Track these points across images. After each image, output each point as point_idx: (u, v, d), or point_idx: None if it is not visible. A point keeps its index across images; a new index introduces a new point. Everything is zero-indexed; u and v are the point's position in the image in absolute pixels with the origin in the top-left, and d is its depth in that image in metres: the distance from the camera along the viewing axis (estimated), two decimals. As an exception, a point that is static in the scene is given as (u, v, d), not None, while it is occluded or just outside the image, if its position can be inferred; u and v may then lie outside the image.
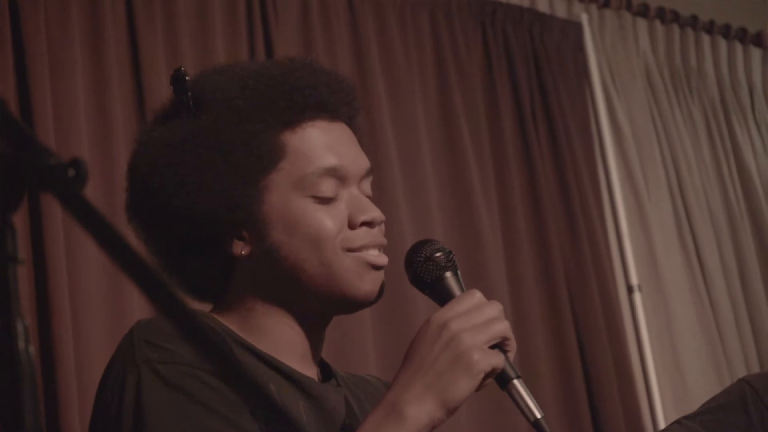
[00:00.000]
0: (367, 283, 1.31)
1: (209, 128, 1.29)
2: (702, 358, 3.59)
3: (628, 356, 3.37)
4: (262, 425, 1.21)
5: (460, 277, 1.29)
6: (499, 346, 1.21)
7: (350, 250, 1.30)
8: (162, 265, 1.34)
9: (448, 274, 1.28)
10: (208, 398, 1.20)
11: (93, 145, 2.57)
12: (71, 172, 0.68)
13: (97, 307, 2.46)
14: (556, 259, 3.33)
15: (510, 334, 1.22)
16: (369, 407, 1.31)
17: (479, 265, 3.13)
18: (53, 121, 2.50)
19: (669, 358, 3.54)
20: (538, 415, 1.21)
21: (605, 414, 3.24)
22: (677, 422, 1.62)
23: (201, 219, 1.28)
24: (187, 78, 1.33)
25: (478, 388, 1.20)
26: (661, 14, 3.98)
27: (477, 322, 1.20)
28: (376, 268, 1.31)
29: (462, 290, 1.27)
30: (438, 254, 1.28)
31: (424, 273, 1.28)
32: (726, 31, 4.15)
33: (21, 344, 0.68)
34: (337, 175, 1.31)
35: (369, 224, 1.32)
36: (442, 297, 1.27)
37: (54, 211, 2.40)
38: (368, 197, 1.35)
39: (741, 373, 3.47)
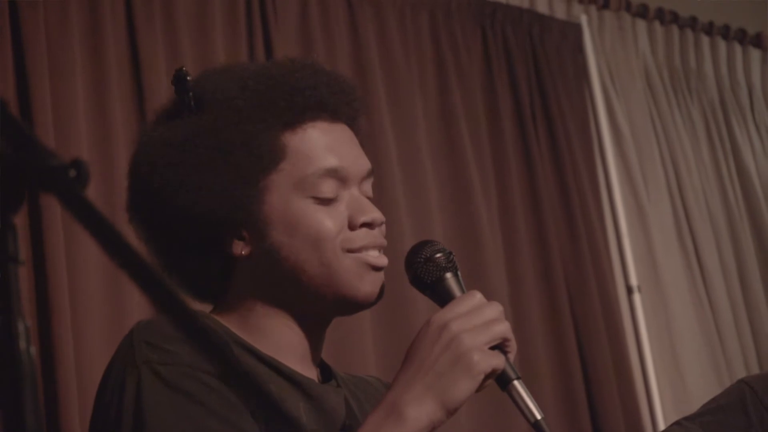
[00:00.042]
0: (367, 284, 1.31)
1: (210, 128, 1.29)
2: (701, 359, 3.59)
3: (627, 357, 3.37)
4: (262, 426, 1.21)
5: (461, 278, 1.29)
6: (500, 347, 1.21)
7: (350, 250, 1.30)
8: (162, 264, 1.34)
9: (449, 275, 1.28)
10: (208, 399, 1.20)
11: (92, 145, 2.57)
12: (72, 173, 0.68)
13: (96, 308, 2.46)
14: (555, 259, 3.33)
15: (510, 335, 1.22)
16: (369, 408, 1.31)
17: (479, 265, 3.13)
18: (53, 121, 2.50)
19: (668, 359, 3.54)
20: (539, 416, 1.21)
21: (605, 415, 3.24)
22: (677, 423, 1.62)
23: (201, 219, 1.28)
24: (188, 78, 1.33)
25: (479, 389, 1.20)
26: (661, 15, 3.98)
27: (477, 323, 1.20)
28: (376, 269, 1.31)
29: (462, 291, 1.27)
30: (438, 255, 1.28)
31: (425, 274, 1.28)
32: (725, 33, 4.15)
33: (22, 345, 0.68)
34: (337, 176, 1.31)
35: (369, 225, 1.32)
36: (443, 298, 1.27)
37: (54, 212, 2.40)
38: (369, 198, 1.35)
39: (740, 374, 3.47)
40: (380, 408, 1.19)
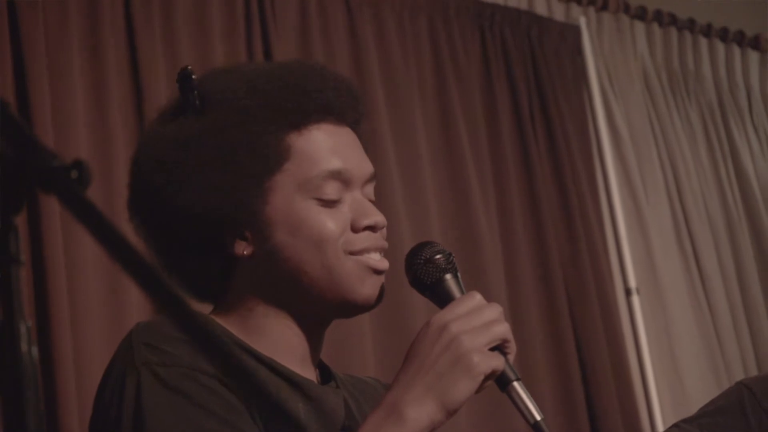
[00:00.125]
0: (368, 287, 1.31)
1: (215, 127, 1.29)
2: (700, 362, 3.60)
3: (626, 359, 3.37)
4: (261, 427, 1.21)
5: (460, 279, 1.29)
6: (499, 348, 1.22)
7: (352, 253, 1.30)
8: (162, 264, 1.34)
9: (448, 276, 1.28)
10: (207, 400, 1.20)
11: (91, 146, 2.57)
12: (74, 174, 0.68)
13: (95, 309, 2.46)
14: (554, 261, 3.34)
15: (510, 336, 1.22)
16: (368, 409, 1.31)
17: (477, 268, 3.13)
18: (52, 122, 2.50)
19: (667, 362, 3.54)
20: (538, 417, 1.21)
21: (603, 417, 3.24)
22: (675, 425, 1.62)
23: (204, 218, 1.28)
24: (193, 77, 1.33)
25: (478, 390, 1.20)
26: (659, 17, 3.99)
27: (477, 324, 1.20)
28: (378, 272, 1.32)
29: (462, 292, 1.27)
30: (438, 256, 1.28)
31: (424, 275, 1.28)
32: (724, 35, 4.15)
33: (24, 346, 0.68)
34: (341, 178, 1.31)
35: (372, 228, 1.32)
36: (442, 299, 1.27)
37: (53, 213, 2.40)
38: (371, 201, 1.35)
39: (739, 376, 3.48)
40: (380, 408, 1.19)
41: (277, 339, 1.31)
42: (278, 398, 1.24)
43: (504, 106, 3.43)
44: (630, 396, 3.33)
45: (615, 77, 3.78)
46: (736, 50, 4.19)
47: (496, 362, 1.20)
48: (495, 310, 1.22)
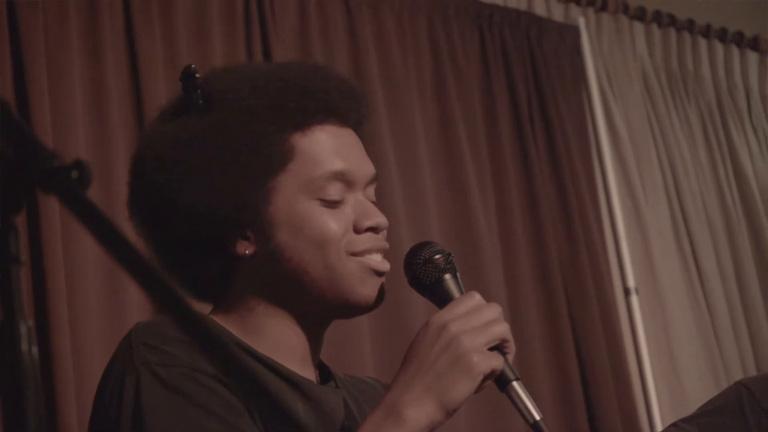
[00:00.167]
0: (368, 288, 1.31)
1: (219, 127, 1.29)
2: (699, 361, 3.60)
3: (625, 359, 3.37)
4: (261, 427, 1.22)
5: (460, 279, 1.29)
6: (499, 348, 1.22)
7: (354, 254, 1.30)
8: (162, 263, 1.34)
9: (447, 276, 1.28)
10: (206, 401, 1.20)
11: (90, 147, 2.57)
12: (75, 174, 0.69)
13: (95, 309, 2.46)
14: (553, 262, 3.34)
15: (509, 336, 1.22)
16: (367, 409, 1.31)
17: (477, 268, 3.13)
18: (51, 122, 2.50)
19: (666, 361, 3.54)
20: (537, 417, 1.21)
21: (602, 417, 3.24)
22: (674, 425, 1.62)
23: (206, 217, 1.28)
24: (197, 76, 1.33)
25: (477, 390, 1.21)
26: (658, 18, 3.99)
27: (476, 324, 1.21)
28: (379, 274, 1.32)
29: (461, 292, 1.27)
30: (437, 256, 1.28)
31: (424, 275, 1.28)
32: (723, 35, 4.15)
33: (24, 346, 0.68)
34: (344, 179, 1.32)
35: (374, 229, 1.32)
36: (442, 299, 1.27)
37: (53, 213, 2.40)
38: (372, 203, 1.35)
39: (738, 376, 3.48)
40: (379, 408, 1.20)
41: (277, 339, 1.31)
42: (278, 398, 1.24)
43: (503, 106, 3.43)
44: (629, 396, 3.33)
45: (614, 78, 3.78)
46: (735, 51, 4.19)
47: (496, 362, 1.20)
48: (494, 310, 1.22)
